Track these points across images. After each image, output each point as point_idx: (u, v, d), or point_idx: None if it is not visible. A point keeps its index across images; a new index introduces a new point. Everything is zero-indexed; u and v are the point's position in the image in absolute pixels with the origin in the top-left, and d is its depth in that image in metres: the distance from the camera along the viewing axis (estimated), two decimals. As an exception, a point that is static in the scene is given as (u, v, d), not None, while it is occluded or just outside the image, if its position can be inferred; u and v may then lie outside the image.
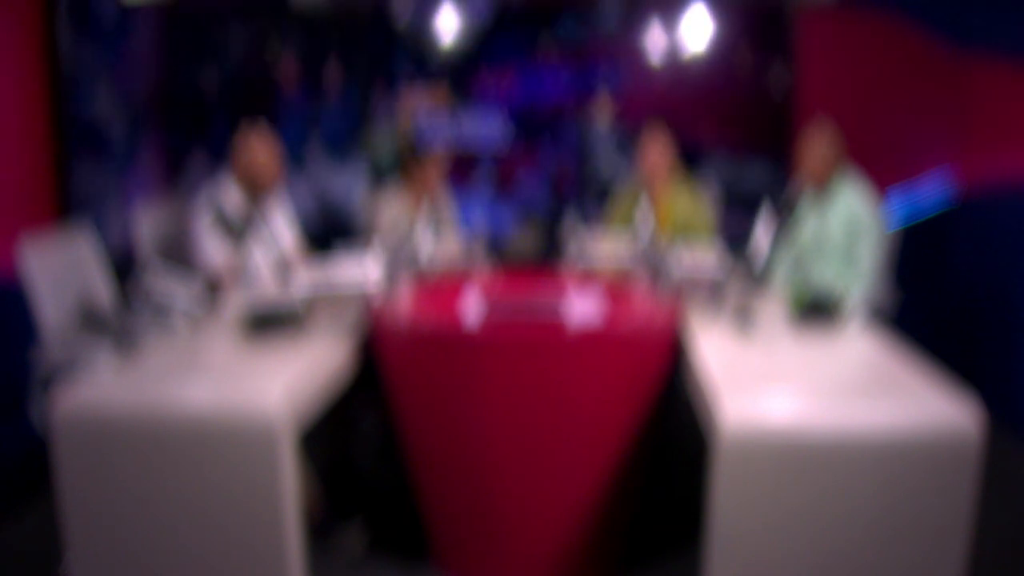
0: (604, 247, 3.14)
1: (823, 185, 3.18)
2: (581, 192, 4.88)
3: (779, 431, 1.86)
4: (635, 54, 4.74)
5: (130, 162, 4.51)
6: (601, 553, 2.53)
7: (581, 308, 2.69)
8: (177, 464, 1.94)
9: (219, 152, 4.42)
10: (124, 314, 2.41)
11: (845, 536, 1.87)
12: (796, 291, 2.67)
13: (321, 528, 2.67)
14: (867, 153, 3.63)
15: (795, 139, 3.45)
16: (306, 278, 2.57)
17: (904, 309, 3.15)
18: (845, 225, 3.12)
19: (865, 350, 2.39)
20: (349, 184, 4.88)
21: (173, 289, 2.49)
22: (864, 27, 4.40)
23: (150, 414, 1.95)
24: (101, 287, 2.95)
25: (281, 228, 3.31)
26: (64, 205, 3.95)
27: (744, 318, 2.51)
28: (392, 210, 3.55)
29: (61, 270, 2.77)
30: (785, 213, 2.68)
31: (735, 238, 3.37)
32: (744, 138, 4.74)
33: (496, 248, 4.67)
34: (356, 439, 3.00)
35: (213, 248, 3.02)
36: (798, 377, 2.16)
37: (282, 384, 2.02)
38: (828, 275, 3.12)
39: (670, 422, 2.57)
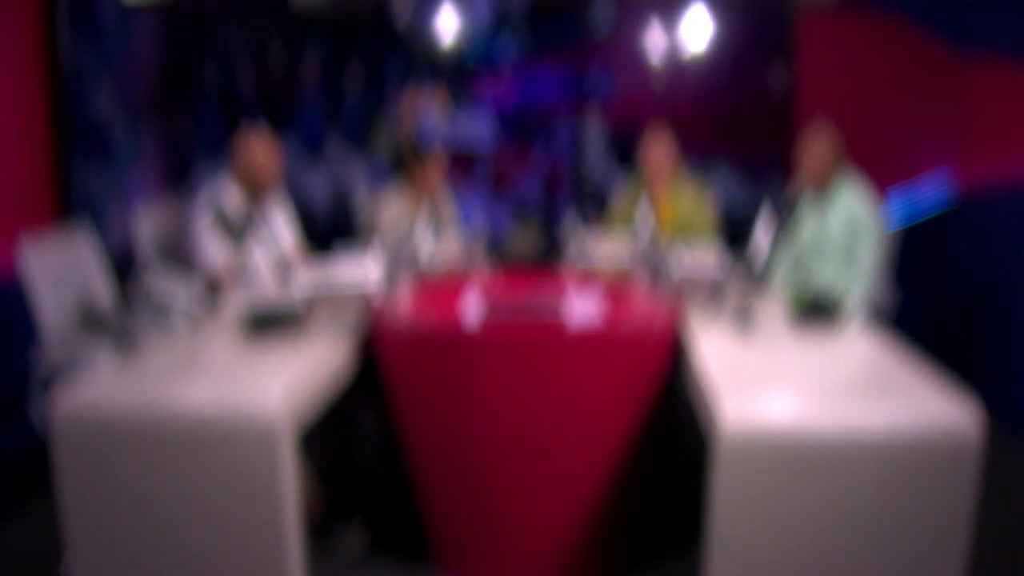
0: (604, 247, 3.14)
1: (823, 186, 3.18)
2: (575, 193, 4.88)
3: (779, 431, 1.86)
4: (634, 55, 4.74)
5: (130, 162, 4.50)
6: (601, 553, 2.53)
7: (581, 308, 2.69)
8: (177, 464, 1.94)
9: (219, 152, 4.42)
10: (124, 314, 2.41)
11: (845, 536, 1.87)
12: (796, 291, 2.67)
13: (321, 528, 2.67)
14: (867, 153, 3.63)
15: (795, 139, 3.45)
16: (306, 278, 2.57)
17: (904, 309, 3.14)
18: (845, 225, 3.12)
19: (865, 350, 2.39)
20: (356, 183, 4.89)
21: (173, 289, 2.49)
22: (864, 27, 4.40)
23: (150, 414, 1.95)
24: (101, 287, 2.95)
25: (281, 228, 3.31)
26: (64, 205, 3.95)
27: (744, 318, 2.51)
28: (392, 210, 3.55)
29: (61, 270, 2.77)
30: (785, 213, 2.68)
31: (735, 238, 3.37)
32: (744, 138, 4.74)
33: (494, 247, 4.67)
34: (356, 439, 3.00)
35: (213, 248, 3.02)
36: (798, 377, 2.16)
37: (282, 384, 2.02)
38: (828, 275, 3.12)
39: (670, 422, 2.57)
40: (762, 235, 2.68)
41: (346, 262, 2.68)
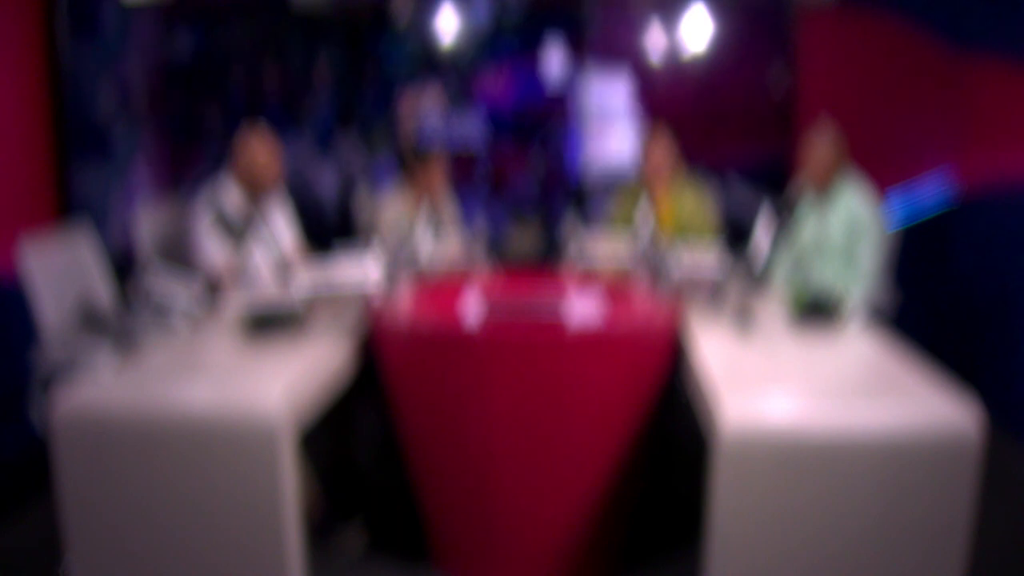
0: (604, 247, 3.14)
1: (825, 186, 3.18)
2: (570, 194, 4.89)
3: (779, 431, 1.86)
4: (633, 56, 4.74)
5: (130, 162, 4.51)
6: (601, 553, 2.53)
7: (581, 308, 2.69)
8: (177, 464, 1.94)
9: (219, 152, 4.42)
10: (124, 314, 2.41)
11: (845, 536, 1.87)
12: (796, 291, 2.67)
13: (321, 528, 2.67)
14: (867, 153, 3.62)
15: (795, 140, 3.45)
16: (306, 278, 2.57)
17: (904, 309, 3.14)
18: (845, 226, 3.12)
19: (865, 350, 2.39)
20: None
21: (173, 289, 2.49)
22: (864, 27, 4.40)
23: (150, 414, 1.95)
24: (101, 287, 2.95)
25: (281, 228, 3.31)
26: (64, 205, 3.95)
27: (744, 318, 2.51)
28: (392, 210, 3.55)
29: (61, 270, 2.77)
30: (785, 213, 2.68)
31: (735, 238, 3.37)
32: (744, 139, 4.74)
33: (493, 247, 4.67)
34: (356, 439, 3.00)
35: (213, 248, 3.02)
36: (798, 377, 2.16)
37: (282, 384, 2.02)
38: (828, 276, 3.12)
39: (670, 422, 2.57)
40: (762, 235, 2.68)
41: (346, 262, 2.68)
